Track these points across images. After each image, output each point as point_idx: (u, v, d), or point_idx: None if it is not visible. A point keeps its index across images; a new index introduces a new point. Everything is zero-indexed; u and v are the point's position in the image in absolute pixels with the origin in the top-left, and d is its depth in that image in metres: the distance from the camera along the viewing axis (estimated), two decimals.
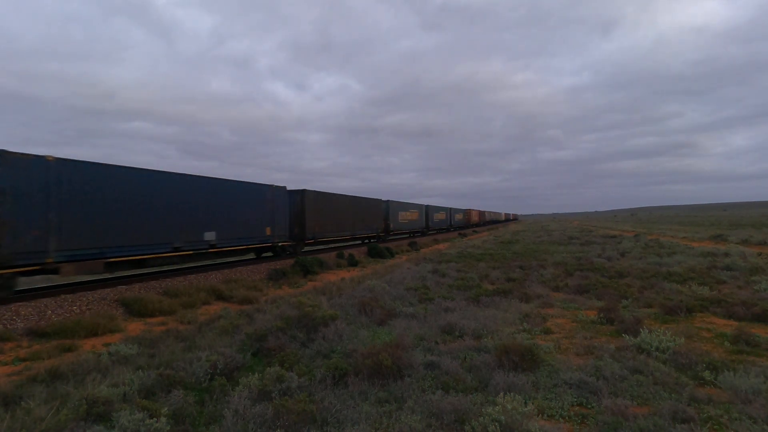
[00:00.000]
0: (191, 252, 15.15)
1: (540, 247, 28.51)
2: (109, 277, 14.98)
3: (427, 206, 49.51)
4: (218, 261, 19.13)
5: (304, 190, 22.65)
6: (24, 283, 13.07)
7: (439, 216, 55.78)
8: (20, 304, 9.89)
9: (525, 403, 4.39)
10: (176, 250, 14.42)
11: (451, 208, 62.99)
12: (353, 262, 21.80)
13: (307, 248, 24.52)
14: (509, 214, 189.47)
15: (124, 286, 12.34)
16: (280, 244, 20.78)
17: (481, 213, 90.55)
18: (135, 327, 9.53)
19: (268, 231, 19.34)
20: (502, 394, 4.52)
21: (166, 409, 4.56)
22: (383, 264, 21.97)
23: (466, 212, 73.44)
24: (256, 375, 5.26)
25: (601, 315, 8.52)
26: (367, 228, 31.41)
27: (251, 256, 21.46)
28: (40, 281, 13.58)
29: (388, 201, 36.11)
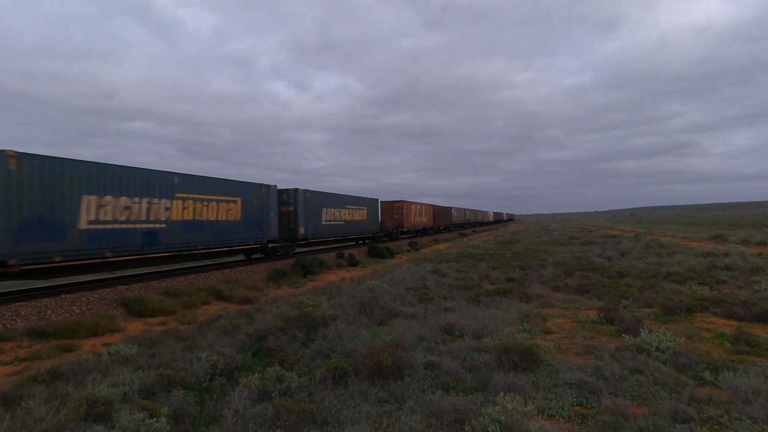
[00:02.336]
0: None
1: (540, 247, 28.50)
2: (110, 276, 14.99)
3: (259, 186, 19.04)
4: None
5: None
6: (24, 282, 13.10)
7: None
8: (20, 304, 9.90)
9: (525, 403, 4.39)
10: None
11: (330, 194, 26.26)
12: (353, 262, 21.81)
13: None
14: (502, 214, 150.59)
15: (124, 286, 12.34)
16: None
17: (443, 211, 56.20)
18: (135, 327, 9.53)
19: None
20: (502, 394, 4.52)
21: (166, 409, 4.56)
22: (383, 264, 21.97)
23: (392, 208, 38.79)
24: (256, 375, 5.26)
25: (601, 315, 8.52)
26: None
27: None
28: (40, 281, 13.60)
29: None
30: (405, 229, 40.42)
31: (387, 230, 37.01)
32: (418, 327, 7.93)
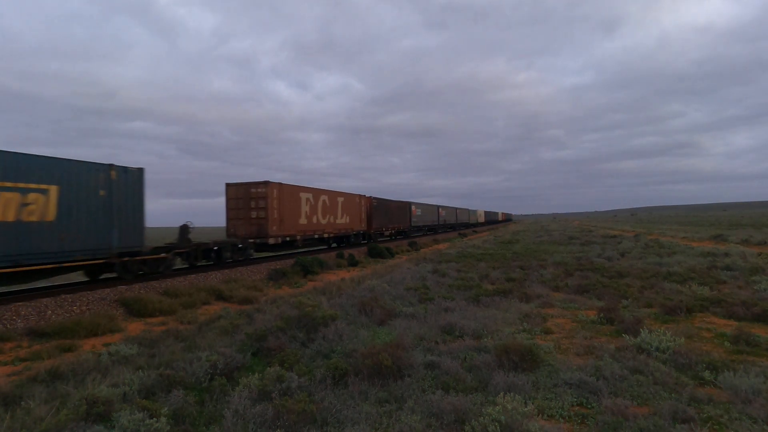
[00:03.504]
0: None
1: (540, 247, 28.51)
2: (110, 277, 14.97)
3: None
4: None
5: None
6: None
7: None
8: (20, 304, 9.89)
9: (525, 403, 4.40)
10: None
11: None
12: (353, 262, 21.82)
13: None
14: (496, 214, 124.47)
15: (124, 286, 12.33)
16: None
17: (393, 207, 36.79)
18: (135, 327, 9.53)
19: None
20: (502, 394, 4.52)
21: (166, 409, 4.56)
22: (383, 264, 21.97)
23: (246, 197, 19.65)
24: (256, 375, 5.27)
25: (601, 315, 8.52)
26: None
27: None
28: (39, 281, 13.57)
29: None
30: (273, 241, 19.64)
31: (227, 243, 17.88)
32: (418, 327, 7.93)
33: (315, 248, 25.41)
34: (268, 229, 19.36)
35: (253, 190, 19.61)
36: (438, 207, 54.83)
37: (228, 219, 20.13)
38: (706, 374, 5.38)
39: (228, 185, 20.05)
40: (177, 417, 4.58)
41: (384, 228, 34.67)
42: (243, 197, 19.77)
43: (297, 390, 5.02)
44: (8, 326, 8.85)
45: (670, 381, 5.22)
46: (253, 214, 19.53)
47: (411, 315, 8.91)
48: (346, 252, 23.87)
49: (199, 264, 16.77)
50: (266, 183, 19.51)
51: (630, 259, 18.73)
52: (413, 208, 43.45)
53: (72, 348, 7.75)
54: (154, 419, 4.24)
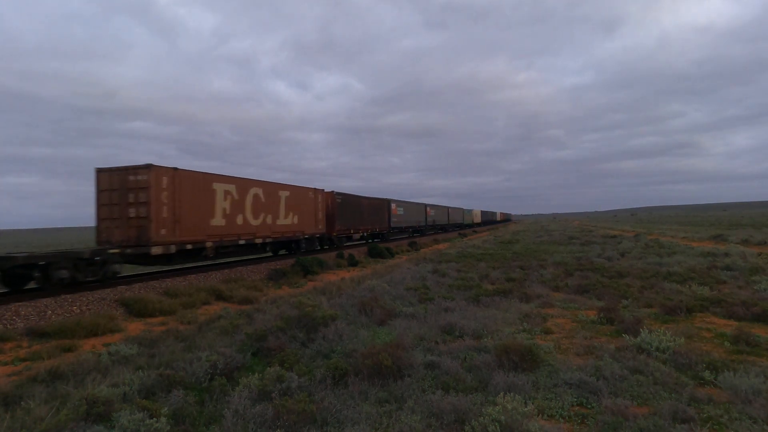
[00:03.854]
0: None
1: (540, 247, 28.49)
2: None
3: None
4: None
5: None
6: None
7: None
8: (20, 304, 9.89)
9: (525, 403, 4.40)
10: None
11: None
12: (353, 262, 21.82)
13: None
14: (494, 214, 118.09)
15: (124, 286, 12.33)
16: None
17: (364, 205, 30.61)
18: (135, 327, 9.53)
19: None
20: (502, 394, 4.52)
21: (166, 409, 4.56)
22: (383, 264, 21.98)
23: (123, 189, 13.47)
24: (256, 375, 5.27)
25: (601, 315, 8.52)
26: None
27: None
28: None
29: None
30: (161, 250, 13.63)
31: (63, 256, 11.56)
32: (418, 327, 7.93)
33: (240, 258, 19.16)
34: (152, 234, 13.42)
35: (131, 178, 13.70)
36: (426, 206, 48.57)
37: (98, 219, 14.11)
38: (706, 374, 5.38)
39: (99, 171, 14.12)
40: (177, 417, 4.59)
41: (352, 230, 28.57)
42: (119, 189, 13.88)
43: (297, 390, 5.02)
44: (8, 326, 8.85)
45: (670, 381, 5.22)
46: (132, 213, 13.65)
47: (411, 315, 8.91)
48: (347, 252, 23.88)
49: (24, 288, 11.63)
50: (149, 167, 13.53)
51: (630, 259, 18.71)
52: (393, 206, 36.91)
53: (72, 348, 7.75)
54: (154, 419, 4.24)
